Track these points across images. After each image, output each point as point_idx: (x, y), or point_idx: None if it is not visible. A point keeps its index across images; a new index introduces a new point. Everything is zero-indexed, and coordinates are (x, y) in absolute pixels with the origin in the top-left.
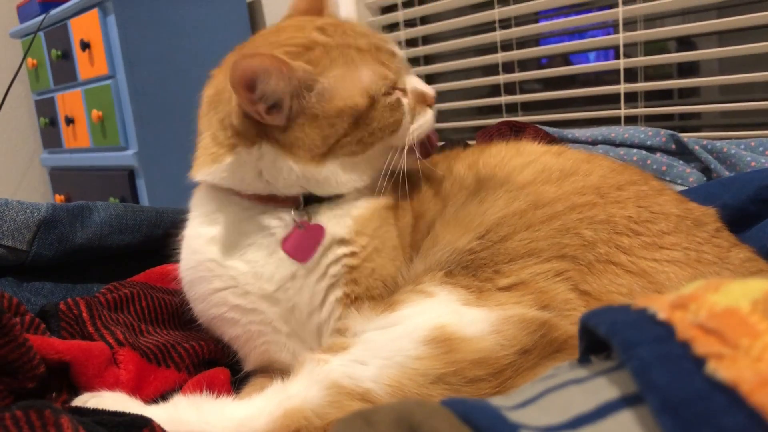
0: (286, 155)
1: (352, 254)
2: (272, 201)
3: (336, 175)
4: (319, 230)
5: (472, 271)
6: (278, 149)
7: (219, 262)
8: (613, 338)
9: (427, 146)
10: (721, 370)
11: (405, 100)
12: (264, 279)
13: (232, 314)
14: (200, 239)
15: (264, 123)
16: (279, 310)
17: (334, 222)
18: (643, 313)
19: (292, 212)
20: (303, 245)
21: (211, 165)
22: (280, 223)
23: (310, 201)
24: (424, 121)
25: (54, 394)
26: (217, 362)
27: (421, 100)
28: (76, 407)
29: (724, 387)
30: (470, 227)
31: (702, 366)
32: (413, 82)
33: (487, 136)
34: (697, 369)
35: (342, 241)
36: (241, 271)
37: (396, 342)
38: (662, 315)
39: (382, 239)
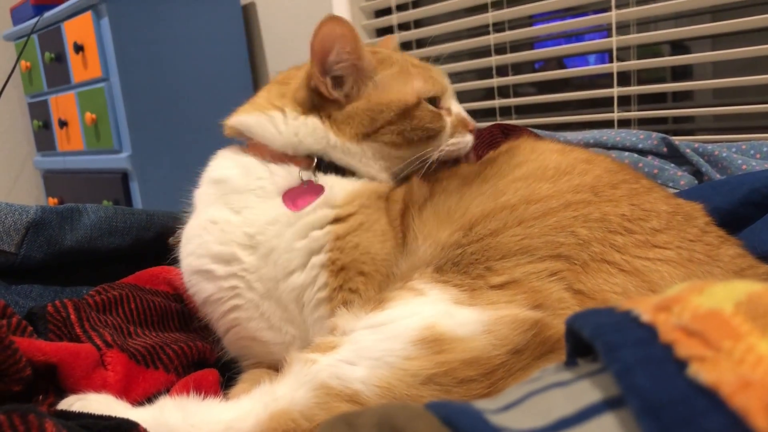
0: (330, 129)
1: (336, 220)
2: (287, 159)
3: (365, 155)
4: (320, 189)
5: (464, 268)
6: (326, 123)
7: (213, 219)
8: (597, 341)
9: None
10: (703, 372)
11: (448, 118)
12: (248, 223)
13: (210, 265)
14: (203, 205)
15: (324, 97)
16: (255, 258)
17: (332, 189)
18: (626, 315)
19: (301, 170)
20: (299, 197)
21: (252, 113)
22: (288, 176)
23: (321, 167)
24: (462, 141)
25: (40, 397)
26: (206, 363)
27: (463, 125)
28: (61, 411)
29: (706, 389)
30: (451, 220)
31: (684, 369)
32: (458, 108)
33: (479, 139)
34: (679, 372)
35: (330, 205)
36: (231, 221)
37: (386, 342)
38: (646, 317)
39: (368, 218)
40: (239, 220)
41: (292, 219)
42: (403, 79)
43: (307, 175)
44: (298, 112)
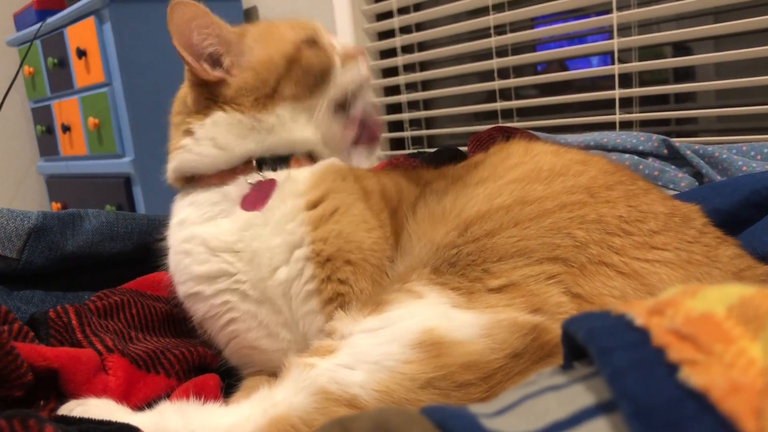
0: (233, 110)
1: (308, 208)
2: (231, 175)
3: (284, 120)
4: (271, 183)
5: (461, 270)
6: (227, 109)
7: (189, 237)
8: (590, 344)
9: (371, 128)
10: (694, 376)
11: (333, 52)
12: (226, 232)
13: (196, 288)
14: (177, 230)
15: (211, 86)
16: (242, 264)
17: (289, 178)
18: (620, 319)
19: (243, 177)
20: (254, 198)
21: (174, 153)
22: (238, 188)
23: (265, 165)
24: (356, 72)
25: (42, 402)
26: (207, 368)
27: (350, 56)
28: (62, 416)
29: (696, 393)
30: (446, 220)
31: (675, 372)
32: (337, 41)
33: (479, 142)
34: (670, 375)
35: (295, 194)
36: (209, 232)
37: (384, 346)
38: (639, 321)
39: (341, 201)
40: (216, 231)
41: (264, 219)
42: (272, 34)
43: (252, 177)
44: (200, 119)
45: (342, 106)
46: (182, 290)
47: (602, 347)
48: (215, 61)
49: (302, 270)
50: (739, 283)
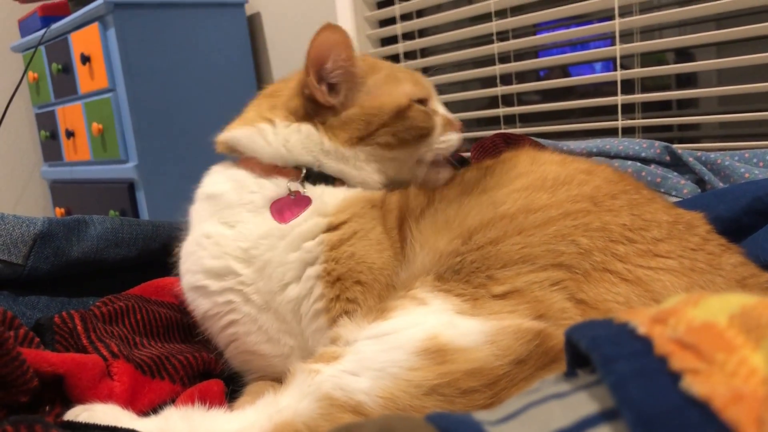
0: (325, 135)
1: (329, 229)
2: (277, 172)
3: (359, 159)
4: (306, 200)
5: (465, 276)
6: (320, 130)
7: (207, 234)
8: (593, 353)
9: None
10: (696, 385)
11: (437, 117)
12: (242, 237)
13: (204, 281)
14: (198, 221)
15: (317, 104)
16: (251, 272)
17: (322, 198)
18: (623, 327)
19: (289, 181)
20: (286, 209)
21: (241, 127)
22: (276, 188)
23: (310, 178)
24: (451, 139)
25: (47, 408)
26: (211, 374)
27: (449, 124)
28: (67, 421)
29: (698, 402)
30: (449, 228)
31: (678, 381)
32: (443, 110)
33: (481, 148)
34: (672, 384)
35: (321, 213)
36: (225, 235)
37: (389, 353)
38: (642, 329)
39: (362, 226)
40: (233, 234)
41: (284, 231)
42: (393, 83)
43: (295, 186)
44: (290, 121)
45: (426, 161)
46: (189, 281)
47: (605, 356)
48: (332, 86)
49: (312, 289)
50: (741, 291)
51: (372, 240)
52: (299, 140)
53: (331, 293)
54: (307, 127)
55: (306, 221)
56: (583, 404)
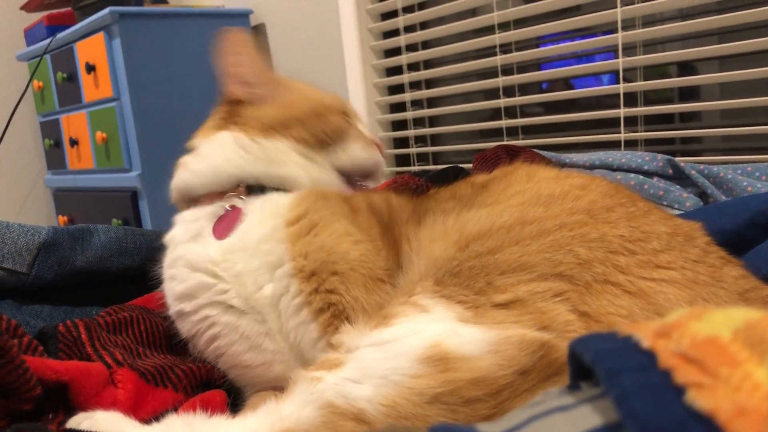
0: (239, 130)
1: (288, 225)
2: (220, 197)
3: (281, 152)
4: (237, 211)
5: (464, 281)
6: (234, 129)
7: (175, 259)
8: (597, 366)
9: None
10: (700, 399)
11: (357, 131)
12: (211, 252)
13: (178, 306)
14: (167, 252)
15: (238, 104)
16: (228, 276)
17: (271, 201)
18: (627, 341)
19: (226, 198)
20: (222, 225)
21: (176, 171)
22: (216, 209)
23: (255, 190)
24: (374, 156)
25: (50, 415)
26: (214, 385)
27: (372, 144)
28: (70, 429)
29: (702, 417)
30: (446, 238)
31: (682, 395)
32: (366, 131)
33: (484, 160)
34: (676, 398)
35: (275, 214)
36: (194, 250)
37: (391, 360)
38: (646, 343)
39: (322, 218)
40: (201, 250)
41: (245, 242)
42: (309, 91)
43: (233, 200)
44: (208, 136)
45: (346, 173)
46: (171, 311)
47: (609, 369)
48: (245, 86)
49: (287, 287)
50: (743, 304)
51: (338, 229)
52: (219, 151)
53: (308, 287)
54: (223, 134)
55: (262, 225)
56: (587, 417)
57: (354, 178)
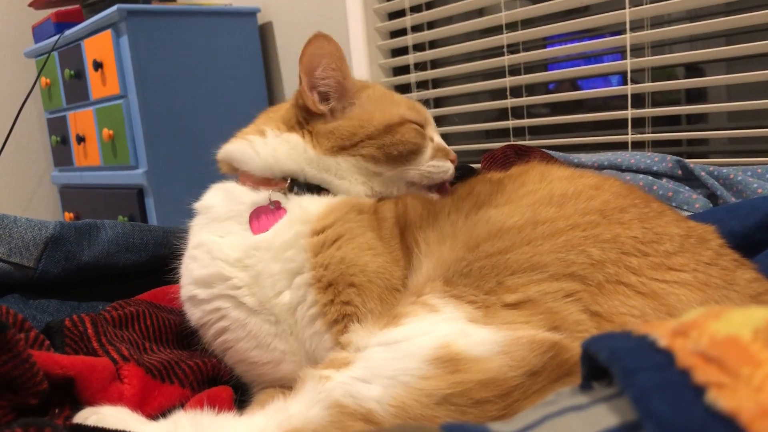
0: (309, 143)
1: (313, 234)
2: (267, 184)
3: (340, 168)
4: (281, 211)
5: (475, 281)
6: (305, 138)
7: (199, 243)
8: (614, 365)
9: (441, 192)
10: (721, 399)
11: (429, 141)
12: (233, 247)
13: (194, 291)
14: (192, 234)
15: (310, 113)
16: (246, 275)
17: (303, 205)
18: (643, 340)
19: (271, 191)
20: (262, 220)
21: (235, 141)
22: (260, 198)
23: (296, 188)
24: (444, 166)
25: (57, 410)
26: (220, 380)
27: (444, 153)
28: (76, 424)
29: (724, 417)
30: (456, 239)
31: (702, 395)
32: (439, 139)
33: (492, 159)
34: (696, 398)
35: (303, 221)
36: (217, 242)
37: (400, 361)
38: (663, 342)
39: (348, 231)
40: (225, 243)
41: (269, 243)
42: (388, 102)
43: (276, 195)
44: (280, 130)
45: (414, 183)
46: (183, 293)
47: (627, 368)
48: (323, 96)
49: (305, 296)
50: (759, 306)
51: (362, 244)
52: (285, 150)
53: (324, 298)
54: (294, 137)
55: (288, 230)
56: (603, 417)
57: (423, 187)
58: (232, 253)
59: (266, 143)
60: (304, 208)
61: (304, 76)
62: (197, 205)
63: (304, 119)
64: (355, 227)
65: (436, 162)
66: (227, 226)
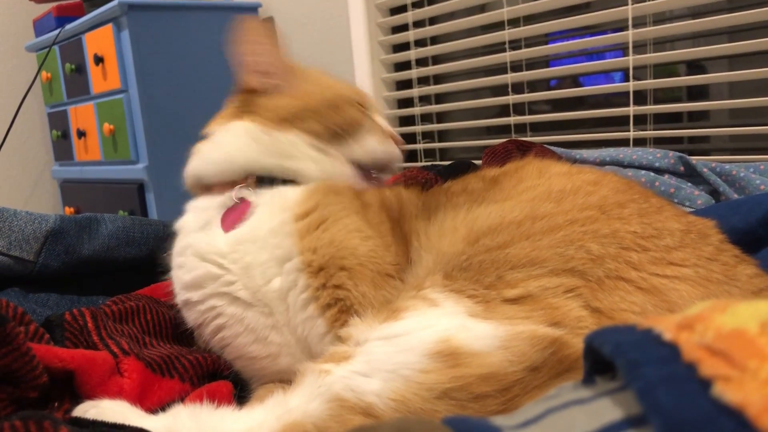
0: (254, 121)
1: (296, 219)
2: (231, 187)
3: (296, 145)
4: (246, 204)
5: (474, 275)
6: (248, 119)
7: (184, 247)
8: (618, 358)
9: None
10: (728, 392)
11: (374, 123)
12: (221, 244)
13: (185, 295)
14: (177, 239)
15: (255, 94)
16: (237, 268)
17: (281, 194)
18: (648, 333)
19: (235, 189)
20: (230, 217)
21: (192, 158)
22: (227, 201)
23: (264, 184)
24: (389, 149)
25: (56, 404)
26: (220, 375)
27: (390, 137)
28: (76, 418)
29: (731, 410)
30: (456, 233)
31: (708, 388)
32: (386, 124)
33: (494, 155)
34: (703, 391)
35: (283, 208)
36: (203, 240)
37: (401, 355)
38: (668, 335)
39: (332, 213)
40: (209, 240)
41: (254, 234)
42: (326, 80)
43: (241, 192)
44: (222, 124)
45: (361, 167)
46: (177, 300)
47: (631, 361)
48: (265, 76)
49: (295, 281)
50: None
51: (348, 225)
52: (233, 143)
53: (316, 282)
54: (238, 124)
55: (272, 218)
56: (607, 410)
57: (369, 170)
58: (221, 247)
59: (212, 145)
60: (282, 196)
61: (243, 59)
62: (175, 227)
63: (244, 103)
64: (339, 209)
65: (381, 146)
66: (204, 232)
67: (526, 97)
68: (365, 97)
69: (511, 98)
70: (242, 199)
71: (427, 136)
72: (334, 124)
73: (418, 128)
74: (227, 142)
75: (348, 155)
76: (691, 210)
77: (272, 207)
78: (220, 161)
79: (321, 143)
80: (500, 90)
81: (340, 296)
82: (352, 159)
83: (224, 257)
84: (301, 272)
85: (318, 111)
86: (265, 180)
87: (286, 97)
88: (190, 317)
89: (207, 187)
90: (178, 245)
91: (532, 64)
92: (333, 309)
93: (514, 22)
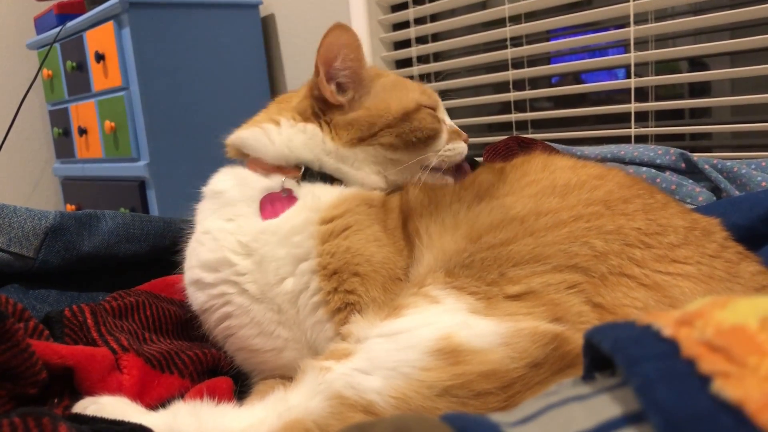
0: (328, 135)
1: (322, 223)
2: (278, 171)
3: (357, 158)
4: (292, 200)
5: (476, 272)
6: (324, 129)
7: (207, 230)
8: (617, 354)
9: (460, 174)
10: (728, 388)
11: (444, 125)
12: (241, 231)
13: (200, 274)
14: (201, 218)
15: (327, 104)
16: (249, 263)
17: (316, 194)
18: (647, 329)
19: (284, 178)
20: (272, 206)
21: (247, 128)
22: (272, 185)
23: (309, 176)
24: (459, 147)
25: (56, 400)
26: (220, 371)
27: (456, 134)
28: (75, 414)
29: (730, 406)
30: (458, 230)
31: (707, 384)
32: (450, 121)
33: (494, 151)
34: (702, 387)
35: (312, 209)
36: (224, 229)
37: (401, 352)
38: (667, 331)
39: (357, 223)
40: (233, 228)
41: (278, 227)
42: (401, 88)
43: (289, 182)
44: (296, 120)
45: (432, 167)
46: (188, 276)
47: (631, 357)
48: (341, 87)
49: (308, 283)
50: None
51: (368, 235)
52: (303, 140)
53: (328, 286)
54: (311, 127)
55: (298, 216)
56: (606, 407)
57: (440, 171)
58: (241, 238)
59: (281, 132)
60: (316, 197)
61: (322, 66)
62: (206, 189)
63: (321, 110)
64: (364, 219)
65: (451, 144)
66: (237, 209)
67: (528, 94)
68: (434, 96)
69: (513, 95)
70: (289, 192)
71: None
72: (409, 136)
73: None
74: (298, 140)
75: (421, 161)
76: (693, 207)
77: (303, 205)
78: (284, 151)
79: (396, 154)
80: (502, 87)
81: (350, 301)
82: (426, 165)
83: (244, 246)
84: (315, 274)
85: (393, 125)
86: (313, 174)
87: (362, 112)
88: (199, 299)
89: (248, 159)
90: (206, 222)
91: (534, 61)
92: (342, 314)
93: (515, 19)
